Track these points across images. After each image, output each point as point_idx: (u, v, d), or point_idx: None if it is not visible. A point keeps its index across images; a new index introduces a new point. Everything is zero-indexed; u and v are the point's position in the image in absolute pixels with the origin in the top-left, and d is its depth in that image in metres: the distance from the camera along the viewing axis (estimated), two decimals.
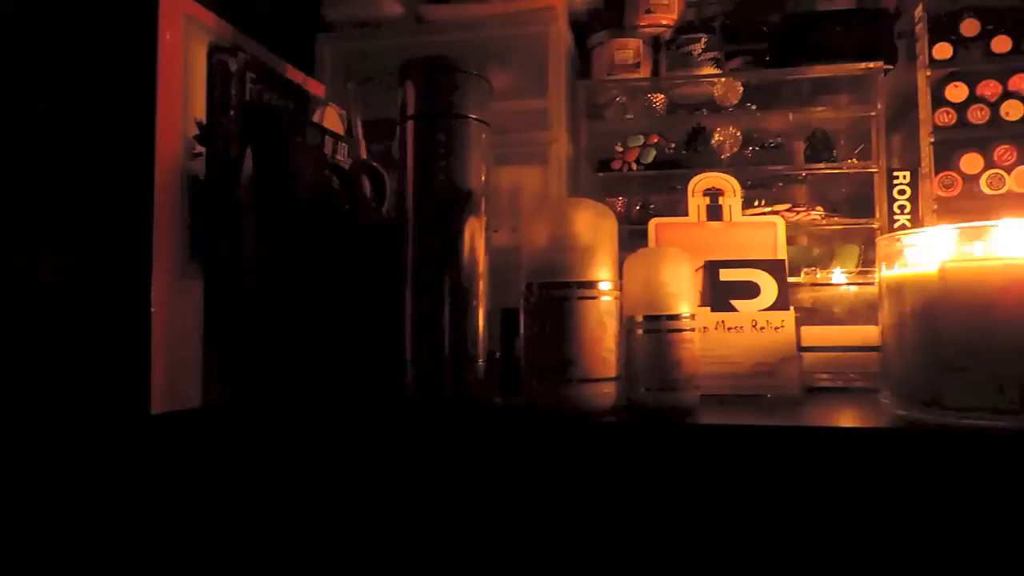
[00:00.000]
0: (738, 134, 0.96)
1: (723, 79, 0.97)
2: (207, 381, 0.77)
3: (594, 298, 0.68)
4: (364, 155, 0.90)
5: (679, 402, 0.69)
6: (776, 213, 0.93)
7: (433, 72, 0.74)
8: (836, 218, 0.94)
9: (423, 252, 0.72)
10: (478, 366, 0.73)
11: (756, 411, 0.71)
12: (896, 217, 0.91)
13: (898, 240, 0.64)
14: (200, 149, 0.77)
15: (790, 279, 0.89)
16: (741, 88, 0.97)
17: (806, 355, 0.82)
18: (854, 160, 0.96)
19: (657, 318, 0.70)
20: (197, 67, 0.77)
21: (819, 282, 0.93)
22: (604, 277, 0.69)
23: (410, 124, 0.74)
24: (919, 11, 0.93)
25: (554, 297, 0.68)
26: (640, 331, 0.70)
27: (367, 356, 0.78)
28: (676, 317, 0.70)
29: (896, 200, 0.91)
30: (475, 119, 0.74)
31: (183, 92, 0.75)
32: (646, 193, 0.97)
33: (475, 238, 0.73)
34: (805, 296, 0.94)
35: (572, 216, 0.70)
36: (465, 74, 0.74)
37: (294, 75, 0.92)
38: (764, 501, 0.60)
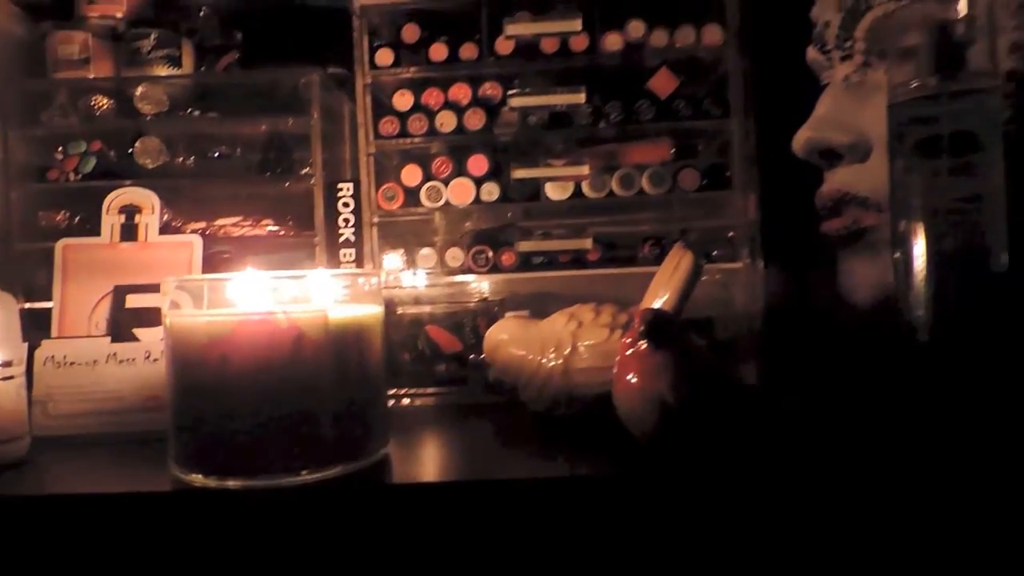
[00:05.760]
0: (160, 144, 0.92)
1: (144, 85, 0.92)
2: None
3: None
4: None
5: None
6: (219, 228, 0.90)
7: None
8: (283, 232, 0.93)
9: None
10: None
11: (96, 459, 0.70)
12: (341, 231, 0.91)
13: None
14: None
15: None
16: (165, 97, 0.93)
17: None
18: (309, 171, 0.95)
19: None
20: None
21: None
22: None
23: None
24: (356, 13, 0.90)
25: None
26: None
27: None
28: None
29: (341, 213, 0.91)
30: None
31: None
32: (91, 206, 0.91)
33: None
34: None
35: None
36: None
37: None
38: None
